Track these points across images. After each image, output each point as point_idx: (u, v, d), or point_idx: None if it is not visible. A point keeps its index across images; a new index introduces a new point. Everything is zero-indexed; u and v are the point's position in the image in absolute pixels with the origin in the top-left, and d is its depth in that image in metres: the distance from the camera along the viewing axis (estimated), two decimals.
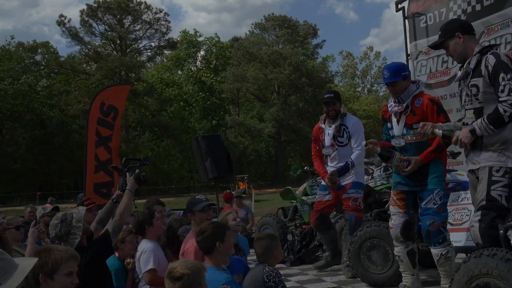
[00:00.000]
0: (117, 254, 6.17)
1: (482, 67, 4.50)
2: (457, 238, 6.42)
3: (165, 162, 59.20)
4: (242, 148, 60.44)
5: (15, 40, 57.15)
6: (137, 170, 5.46)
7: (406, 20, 10.08)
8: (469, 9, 8.69)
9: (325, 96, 7.66)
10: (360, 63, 73.26)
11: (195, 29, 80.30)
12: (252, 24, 65.91)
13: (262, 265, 4.79)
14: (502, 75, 4.35)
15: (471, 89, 4.58)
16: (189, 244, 5.14)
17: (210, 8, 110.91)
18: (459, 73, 4.79)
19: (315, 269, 7.64)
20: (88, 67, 57.47)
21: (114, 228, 4.98)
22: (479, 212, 4.46)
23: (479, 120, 4.46)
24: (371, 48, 73.15)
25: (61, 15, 54.90)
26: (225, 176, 10.78)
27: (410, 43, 10.06)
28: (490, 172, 4.45)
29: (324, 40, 73.57)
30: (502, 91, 4.33)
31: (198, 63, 66.75)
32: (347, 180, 7.49)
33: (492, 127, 4.37)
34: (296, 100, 63.59)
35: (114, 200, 5.46)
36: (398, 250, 5.95)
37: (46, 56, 57.28)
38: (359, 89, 73.79)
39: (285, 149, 64.97)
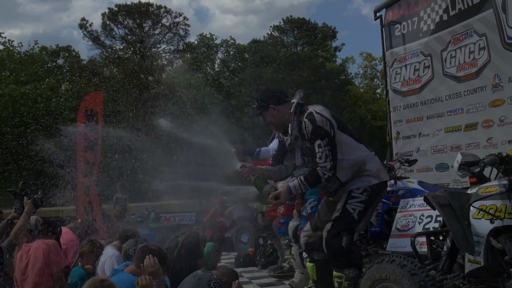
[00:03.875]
0: (80, 263, 6.64)
1: (304, 132, 4.91)
2: (403, 244, 6.65)
3: None
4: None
5: (38, 45, 58.25)
6: (35, 195, 5.83)
7: (384, 29, 10.32)
8: (437, 19, 8.93)
9: None
10: (380, 64, 72.85)
11: (210, 32, 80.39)
12: (271, 26, 65.93)
13: (210, 272, 5.08)
14: (318, 142, 4.79)
15: (307, 151, 4.99)
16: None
17: (237, 10, 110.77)
18: (288, 139, 5.26)
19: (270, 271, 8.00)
20: (108, 71, 58.27)
21: (8, 246, 5.39)
22: (330, 223, 4.94)
23: (296, 182, 4.93)
24: None
25: (83, 19, 55.99)
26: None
27: (386, 51, 10.29)
28: (351, 191, 4.93)
29: (343, 44, 73.16)
30: (320, 157, 4.79)
31: (216, 65, 67.02)
32: None
33: (308, 187, 4.97)
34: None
35: (9, 221, 5.85)
36: (293, 249, 6.32)
37: (68, 59, 58.26)
38: (379, 90, 73.47)
39: None
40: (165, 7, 56.75)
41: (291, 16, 64.45)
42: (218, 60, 67.70)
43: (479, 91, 8.03)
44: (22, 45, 57.31)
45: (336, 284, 5.08)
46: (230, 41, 67.15)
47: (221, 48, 67.16)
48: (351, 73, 70.85)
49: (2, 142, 51.76)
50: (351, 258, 4.89)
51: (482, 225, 4.06)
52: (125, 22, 56.61)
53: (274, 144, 7.44)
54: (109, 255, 6.49)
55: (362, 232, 7.59)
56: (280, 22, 64.76)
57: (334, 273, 5.05)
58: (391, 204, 7.03)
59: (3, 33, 56.83)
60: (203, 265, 7.50)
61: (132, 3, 56.12)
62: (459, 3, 8.37)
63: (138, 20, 56.47)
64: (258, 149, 7.62)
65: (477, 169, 4.20)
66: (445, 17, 8.75)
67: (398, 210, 6.87)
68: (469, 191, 4.40)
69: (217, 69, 66.67)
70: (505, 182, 4.08)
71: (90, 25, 55.52)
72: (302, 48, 63.85)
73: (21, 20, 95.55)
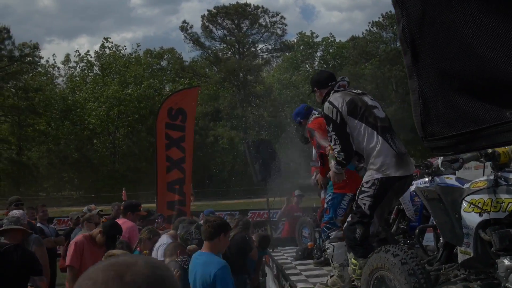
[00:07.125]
0: (138, 249, 7.37)
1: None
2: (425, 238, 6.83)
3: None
4: None
5: (140, 47, 61.04)
6: None
7: None
8: None
9: None
10: None
11: (311, 30, 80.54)
12: (369, 22, 65.33)
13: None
14: (328, 128, 5.33)
15: None
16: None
17: (343, 6, 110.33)
18: None
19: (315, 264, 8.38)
20: (209, 71, 60.06)
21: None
22: (350, 215, 5.37)
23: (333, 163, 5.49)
24: None
25: (184, 21, 58.03)
26: (269, 180, 11.43)
27: None
28: (362, 184, 5.26)
29: None
30: (331, 142, 5.34)
31: (315, 63, 67.15)
32: None
33: (340, 167, 5.42)
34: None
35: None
36: None
37: (171, 61, 60.64)
38: None
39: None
40: (262, 7, 57.74)
41: (390, 11, 63.56)
42: (318, 58, 67.79)
43: None
44: (126, 48, 60.20)
45: (351, 270, 5.52)
46: (331, 39, 67.06)
47: (321, 46, 67.15)
48: None
49: (108, 141, 54.51)
50: (367, 249, 5.15)
51: (472, 218, 4.31)
52: (224, 23, 58.09)
53: None
54: (163, 242, 7.14)
55: (404, 227, 7.86)
56: (379, 18, 64.06)
57: (352, 260, 5.44)
58: None
59: (110, 38, 59.77)
60: (255, 256, 8.15)
61: (230, 4, 57.58)
62: None
63: (236, 21, 57.78)
64: None
65: (458, 165, 4.43)
66: None
67: None
68: (464, 186, 4.64)
69: (316, 67, 66.74)
70: (492, 177, 4.31)
71: (191, 27, 57.45)
72: None
73: (133, 23, 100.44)
